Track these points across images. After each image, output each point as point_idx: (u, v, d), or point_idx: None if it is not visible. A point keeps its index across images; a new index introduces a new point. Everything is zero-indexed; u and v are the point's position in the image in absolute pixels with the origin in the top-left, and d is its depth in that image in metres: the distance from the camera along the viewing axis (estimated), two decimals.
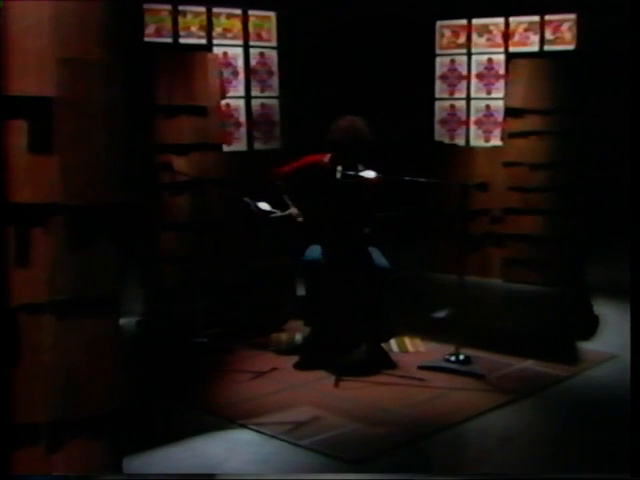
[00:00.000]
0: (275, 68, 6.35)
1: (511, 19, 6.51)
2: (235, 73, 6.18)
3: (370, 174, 5.00)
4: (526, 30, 6.45)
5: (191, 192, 5.77)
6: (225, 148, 6.10)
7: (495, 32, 6.61)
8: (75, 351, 2.83)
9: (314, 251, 5.19)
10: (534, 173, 6.42)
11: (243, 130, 6.25)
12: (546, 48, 6.37)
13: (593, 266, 6.44)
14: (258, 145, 6.31)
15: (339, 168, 5.08)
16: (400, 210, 5.57)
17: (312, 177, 5.30)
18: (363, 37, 8.43)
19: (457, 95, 6.84)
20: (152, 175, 5.74)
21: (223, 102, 6.07)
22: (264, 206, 5.13)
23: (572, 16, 6.21)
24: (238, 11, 6.16)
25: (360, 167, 5.08)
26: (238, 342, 5.59)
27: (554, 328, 5.76)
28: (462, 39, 6.76)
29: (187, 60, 5.84)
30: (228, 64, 6.13)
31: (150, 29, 5.74)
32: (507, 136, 6.54)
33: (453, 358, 5.11)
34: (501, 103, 6.61)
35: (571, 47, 6.23)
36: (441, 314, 6.32)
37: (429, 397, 4.67)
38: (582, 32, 6.17)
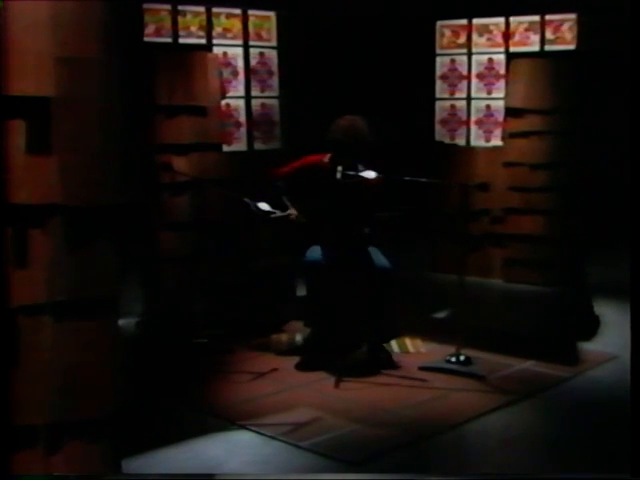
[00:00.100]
0: (275, 68, 6.34)
1: (511, 19, 6.50)
2: (235, 73, 6.17)
3: (370, 174, 4.99)
4: (526, 30, 6.44)
5: (191, 192, 5.76)
6: (225, 148, 6.09)
7: (495, 32, 6.61)
8: (74, 352, 2.83)
9: (314, 252, 5.18)
10: (534, 173, 6.41)
11: (243, 130, 6.24)
12: (546, 48, 6.36)
13: (593, 266, 6.42)
14: (258, 145, 6.30)
15: (339, 168, 5.08)
16: (400, 210, 5.56)
17: (312, 177, 5.30)
18: (363, 37, 8.42)
19: (457, 95, 6.84)
20: (152, 175, 5.73)
21: (223, 102, 6.06)
22: (264, 206, 5.12)
23: (572, 16, 6.20)
24: (238, 11, 6.15)
25: (360, 167, 5.07)
26: (238, 343, 5.58)
27: (555, 328, 5.75)
28: (462, 39, 6.76)
29: (187, 60, 5.83)
30: (228, 64, 6.12)
31: (150, 29, 5.73)
32: (508, 136, 6.54)
33: (454, 359, 5.10)
34: (501, 103, 6.61)
35: (571, 47, 6.22)
36: (441, 314, 6.31)
37: (430, 398, 4.67)
38: (582, 32, 6.16)
